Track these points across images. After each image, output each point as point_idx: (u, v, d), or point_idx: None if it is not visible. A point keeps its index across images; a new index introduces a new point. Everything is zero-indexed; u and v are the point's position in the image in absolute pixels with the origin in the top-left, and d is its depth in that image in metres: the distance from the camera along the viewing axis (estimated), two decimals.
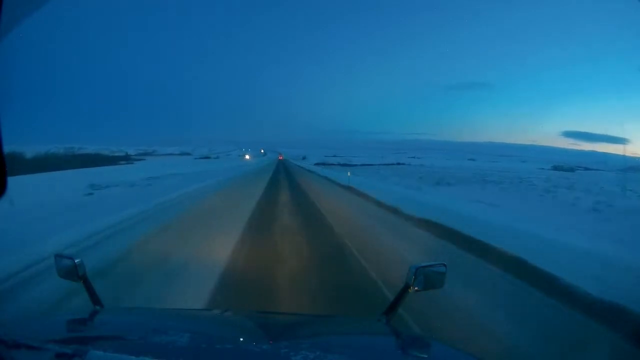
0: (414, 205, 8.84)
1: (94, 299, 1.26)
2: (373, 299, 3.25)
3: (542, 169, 67.69)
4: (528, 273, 3.97)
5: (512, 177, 33.51)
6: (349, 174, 20.39)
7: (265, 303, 3.13)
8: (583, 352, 2.59)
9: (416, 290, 1.22)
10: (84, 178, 18.39)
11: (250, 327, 1.23)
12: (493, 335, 2.69)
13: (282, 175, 25.67)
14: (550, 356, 2.48)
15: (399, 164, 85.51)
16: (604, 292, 3.15)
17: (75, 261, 1.24)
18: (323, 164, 68.07)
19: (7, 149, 0.80)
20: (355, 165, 65.74)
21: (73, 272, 1.25)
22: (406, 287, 1.22)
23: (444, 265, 1.27)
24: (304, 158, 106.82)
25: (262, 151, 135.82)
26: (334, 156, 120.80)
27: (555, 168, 67.67)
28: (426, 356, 1.04)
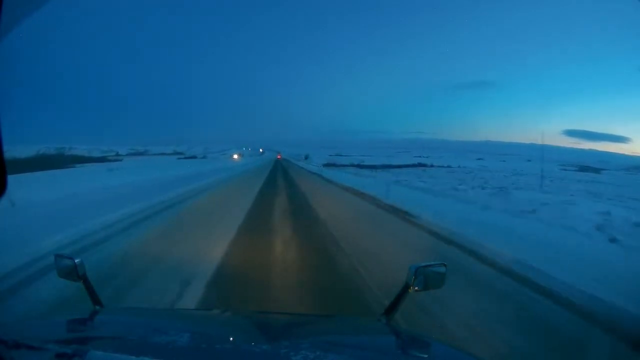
0: None
1: (94, 299, 1.26)
2: None
3: (565, 169, 61.27)
4: None
5: (570, 179, 28.33)
6: (389, 184, 12.38)
7: None
8: None
9: (416, 290, 1.21)
10: None
11: (250, 327, 1.22)
12: None
13: (281, 189, 13.85)
14: None
15: (420, 165, 70.04)
16: None
17: (75, 261, 1.24)
18: (332, 164, 54.34)
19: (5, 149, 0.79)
20: (373, 166, 52.11)
21: (73, 272, 1.25)
22: (406, 287, 1.22)
23: (444, 265, 1.27)
24: (306, 157, 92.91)
25: (261, 150, 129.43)
26: (339, 155, 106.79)
27: (582, 169, 60.11)
28: (426, 356, 1.04)
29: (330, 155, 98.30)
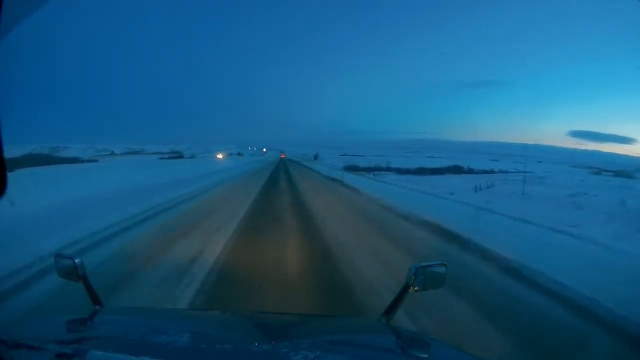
0: None
1: (94, 299, 1.27)
2: None
3: (599, 173, 50.39)
4: None
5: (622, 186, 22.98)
6: None
7: None
8: None
9: (416, 290, 1.22)
10: None
11: (250, 327, 1.23)
12: None
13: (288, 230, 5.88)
14: None
15: (456, 168, 53.74)
16: None
17: (75, 261, 1.24)
18: (353, 168, 39.89)
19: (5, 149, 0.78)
20: (407, 170, 40.55)
21: (73, 272, 1.25)
22: (406, 287, 1.22)
23: (444, 265, 1.27)
24: (316, 157, 77.91)
25: (264, 150, 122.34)
26: (347, 155, 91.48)
27: (618, 174, 47.48)
28: (426, 356, 1.04)
29: (341, 156, 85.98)
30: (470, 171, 52.40)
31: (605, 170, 53.23)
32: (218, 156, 46.39)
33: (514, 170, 47.74)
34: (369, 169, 43.17)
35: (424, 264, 1.24)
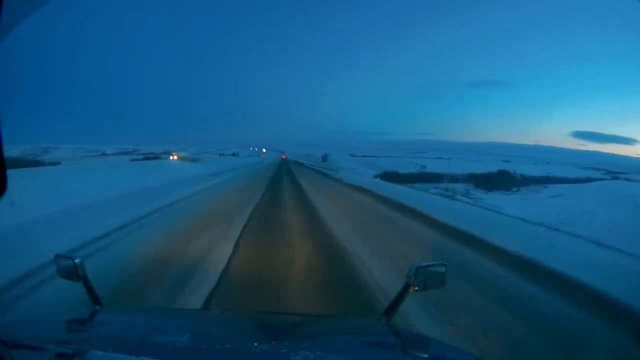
0: None
1: (94, 299, 1.27)
2: None
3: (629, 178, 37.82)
4: None
5: None
6: None
7: None
8: None
9: (416, 291, 1.22)
10: None
11: (251, 327, 1.23)
12: None
13: None
14: None
15: (503, 172, 43.36)
16: None
17: (76, 261, 1.25)
18: (395, 177, 29.08)
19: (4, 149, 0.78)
20: (452, 177, 33.16)
21: (73, 272, 1.25)
22: (406, 287, 1.22)
23: (444, 265, 1.28)
24: (324, 159, 64.76)
25: (264, 150, 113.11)
26: (364, 156, 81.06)
27: None
28: (426, 356, 1.04)
29: (351, 156, 74.28)
30: (527, 179, 40.02)
31: (620, 172, 47.55)
32: (172, 157, 32.19)
33: (572, 177, 39.98)
34: (420, 179, 30.01)
35: (424, 264, 1.24)
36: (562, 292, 3.40)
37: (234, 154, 78.78)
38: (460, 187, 28.90)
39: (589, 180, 37.12)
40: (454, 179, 34.48)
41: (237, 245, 4.71)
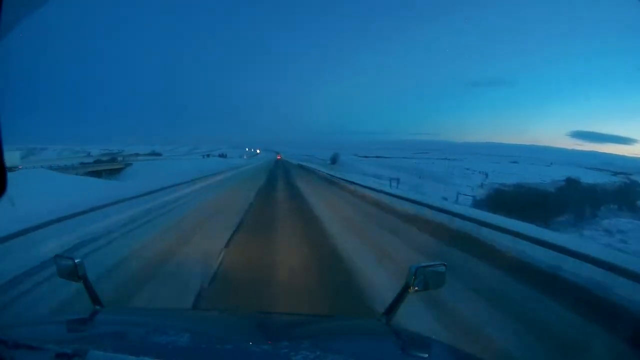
0: None
1: (94, 299, 1.27)
2: None
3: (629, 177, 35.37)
4: None
5: None
6: None
7: None
8: None
9: (416, 291, 1.22)
10: None
11: (250, 327, 1.23)
12: None
13: None
14: None
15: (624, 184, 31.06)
16: None
17: (76, 261, 1.25)
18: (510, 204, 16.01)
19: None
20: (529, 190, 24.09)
21: (73, 272, 1.25)
22: (406, 287, 1.22)
23: (444, 265, 1.28)
24: (334, 161, 52.91)
25: (258, 151, 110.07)
26: (378, 157, 71.37)
27: None
28: (426, 356, 1.04)
29: (356, 155, 65.66)
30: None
31: (622, 173, 44.35)
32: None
33: None
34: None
35: (424, 264, 1.24)
36: None
37: (220, 155, 71.32)
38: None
39: None
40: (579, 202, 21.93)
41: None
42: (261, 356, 0.89)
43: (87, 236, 4.96)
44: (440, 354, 1.07)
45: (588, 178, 33.70)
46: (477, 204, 17.96)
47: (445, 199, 14.63)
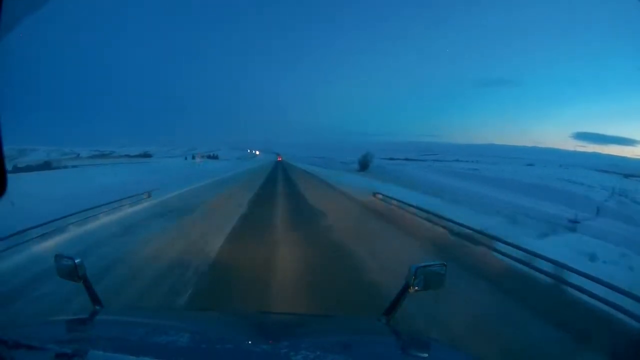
0: None
1: (94, 299, 1.27)
2: None
3: None
4: None
5: None
6: None
7: None
8: None
9: (416, 290, 1.22)
10: None
11: (250, 327, 1.23)
12: None
13: None
14: None
15: None
16: None
17: (76, 261, 1.25)
18: None
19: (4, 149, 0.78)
20: None
21: (73, 272, 1.25)
22: (406, 287, 1.22)
23: (444, 265, 1.27)
24: (363, 167, 39.92)
25: (257, 152, 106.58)
26: (407, 159, 64.85)
27: None
28: (426, 356, 1.04)
29: (390, 160, 55.01)
30: None
31: (633, 175, 41.92)
32: None
33: None
34: None
35: (423, 264, 1.24)
36: None
37: (209, 156, 64.09)
38: None
39: None
40: None
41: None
42: (261, 356, 0.89)
43: None
44: (440, 354, 1.07)
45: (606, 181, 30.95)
46: None
47: None
